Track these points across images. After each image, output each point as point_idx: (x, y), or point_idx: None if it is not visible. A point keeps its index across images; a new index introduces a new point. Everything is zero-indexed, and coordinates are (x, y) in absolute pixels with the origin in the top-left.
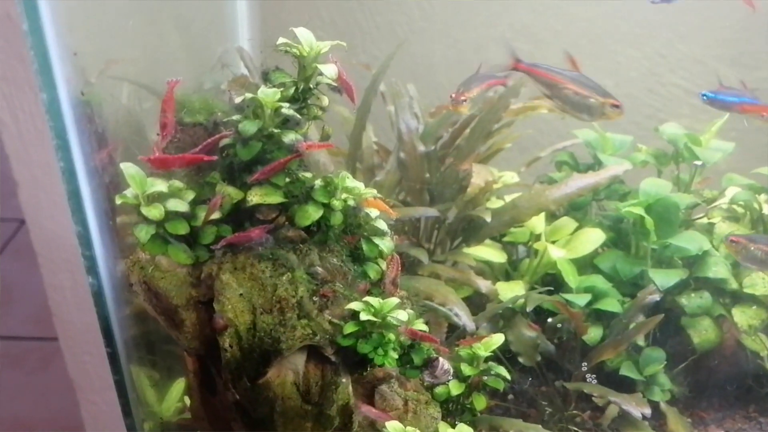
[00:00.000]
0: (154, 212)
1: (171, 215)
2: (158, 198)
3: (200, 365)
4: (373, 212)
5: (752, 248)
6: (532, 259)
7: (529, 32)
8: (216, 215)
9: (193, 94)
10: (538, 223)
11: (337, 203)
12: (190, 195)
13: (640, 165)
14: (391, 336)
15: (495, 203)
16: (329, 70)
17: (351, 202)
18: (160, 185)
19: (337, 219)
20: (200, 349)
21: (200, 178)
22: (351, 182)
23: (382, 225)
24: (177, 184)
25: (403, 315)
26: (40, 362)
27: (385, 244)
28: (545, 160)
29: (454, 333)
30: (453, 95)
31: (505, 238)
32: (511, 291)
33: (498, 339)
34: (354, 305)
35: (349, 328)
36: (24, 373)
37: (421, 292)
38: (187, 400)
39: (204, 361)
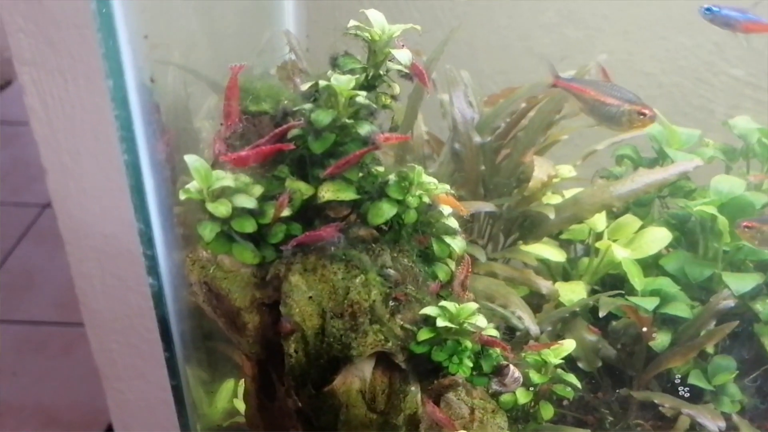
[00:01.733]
0: (221, 209)
1: (238, 212)
2: (224, 193)
3: (259, 370)
4: (445, 209)
5: (766, 230)
6: (592, 258)
7: (576, 18)
8: (286, 212)
9: (257, 80)
10: (599, 220)
11: (412, 200)
12: (258, 190)
13: (707, 161)
14: (468, 344)
15: (551, 198)
16: (403, 56)
17: (426, 199)
18: (227, 179)
19: (411, 217)
20: (261, 353)
21: (266, 172)
22: (425, 177)
23: (453, 223)
24: (244, 178)
25: (482, 321)
26: (63, 348)
27: (457, 243)
28: (603, 154)
29: (513, 337)
30: None
31: (563, 236)
32: (571, 292)
33: (570, 345)
34: (429, 310)
35: (424, 334)
36: (46, 359)
37: (479, 292)
38: (237, 403)
39: (263, 365)
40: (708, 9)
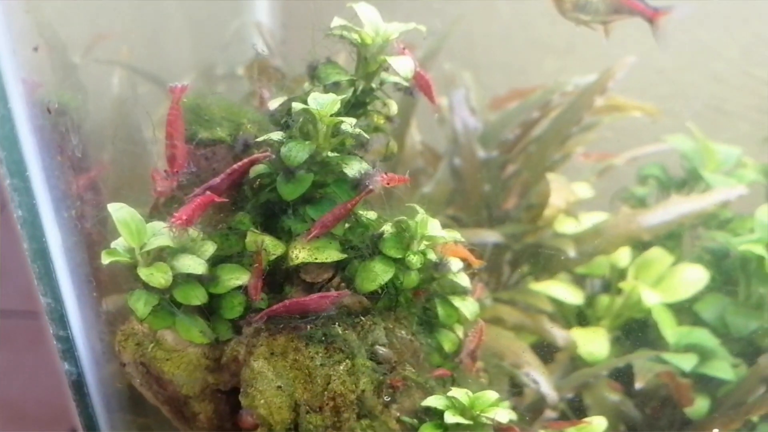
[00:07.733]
0: (158, 277)
1: (182, 278)
2: (162, 254)
3: None
4: (454, 263)
5: None
6: (613, 297)
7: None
8: (244, 278)
9: (210, 95)
10: (622, 254)
11: (414, 259)
12: (210, 249)
13: (748, 185)
14: None
15: (565, 223)
16: (403, 65)
17: (431, 256)
18: (165, 237)
19: (411, 281)
20: None
21: (222, 219)
22: (432, 227)
23: (463, 280)
24: (191, 232)
25: (503, 415)
26: (30, 341)
27: (468, 307)
28: (622, 170)
29: (520, 392)
30: None
31: (578, 269)
32: (591, 342)
33: (600, 425)
34: (435, 401)
35: (428, 431)
36: (13, 352)
37: (487, 347)
38: None
39: None
40: None
